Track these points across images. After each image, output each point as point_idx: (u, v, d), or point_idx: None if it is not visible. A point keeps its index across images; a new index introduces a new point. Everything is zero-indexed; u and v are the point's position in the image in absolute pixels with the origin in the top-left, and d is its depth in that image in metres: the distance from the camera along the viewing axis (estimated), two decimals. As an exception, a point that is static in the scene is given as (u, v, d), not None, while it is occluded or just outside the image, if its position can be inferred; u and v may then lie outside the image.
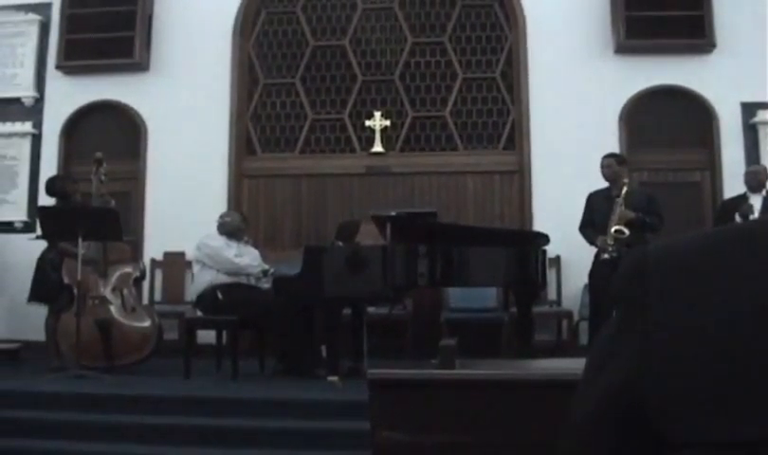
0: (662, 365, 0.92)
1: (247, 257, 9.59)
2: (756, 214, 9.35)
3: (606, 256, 9.00)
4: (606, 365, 0.99)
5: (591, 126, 11.14)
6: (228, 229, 9.71)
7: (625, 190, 9.21)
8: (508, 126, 11.87)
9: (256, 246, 10.29)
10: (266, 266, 9.41)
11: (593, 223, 9.47)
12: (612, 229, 9.05)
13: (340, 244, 9.40)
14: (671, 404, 0.90)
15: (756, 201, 9.59)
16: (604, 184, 9.53)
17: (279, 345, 9.51)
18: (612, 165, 9.48)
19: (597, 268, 9.19)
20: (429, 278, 8.48)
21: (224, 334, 9.75)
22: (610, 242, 9.04)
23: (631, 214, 9.10)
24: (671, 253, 0.99)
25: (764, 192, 9.70)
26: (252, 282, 9.53)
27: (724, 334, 0.88)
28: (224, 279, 9.38)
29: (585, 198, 9.63)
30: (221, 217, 9.96)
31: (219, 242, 9.52)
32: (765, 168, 10.08)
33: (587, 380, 1.03)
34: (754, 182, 9.77)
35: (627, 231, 8.99)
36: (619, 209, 9.12)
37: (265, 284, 9.44)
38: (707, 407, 0.88)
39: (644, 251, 1.01)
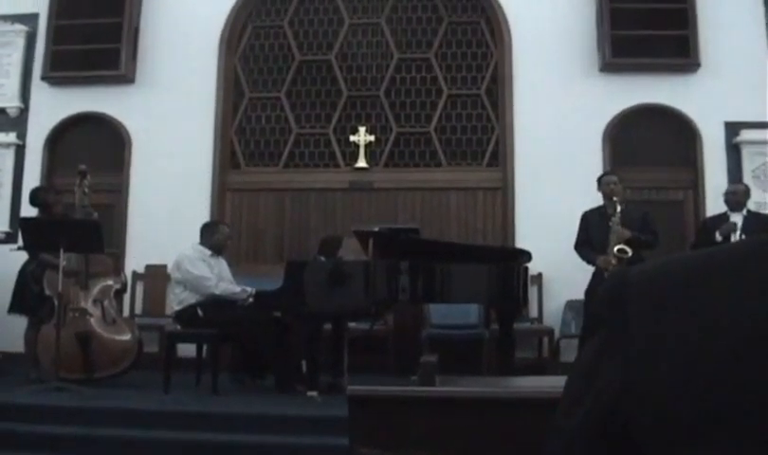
0: (643, 388, 0.91)
1: (226, 281, 9.47)
2: (737, 233, 9.38)
3: None
4: (587, 388, 0.98)
5: (575, 144, 11.17)
6: (214, 244, 9.62)
7: (619, 208, 9.22)
8: (492, 143, 11.88)
9: (237, 262, 10.25)
10: (249, 290, 9.28)
11: (589, 242, 9.47)
12: (615, 249, 9.05)
13: (323, 258, 9.39)
14: (653, 427, 0.90)
15: (736, 220, 9.61)
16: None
17: (255, 360, 9.47)
18: (616, 183, 9.50)
19: (597, 288, 9.15)
20: (410, 294, 8.47)
21: (204, 348, 9.70)
22: (613, 261, 9.04)
23: (627, 233, 9.11)
24: (651, 276, 0.98)
25: (744, 211, 9.73)
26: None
27: (704, 358, 0.88)
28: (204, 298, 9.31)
29: (580, 217, 9.66)
30: (210, 228, 9.86)
31: (200, 267, 9.30)
32: (746, 187, 10.12)
33: (567, 404, 1.02)
34: (734, 201, 9.79)
35: (629, 251, 8.99)
36: (615, 228, 9.13)
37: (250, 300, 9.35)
38: (688, 431, 0.87)
39: (624, 273, 1.00)
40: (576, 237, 9.63)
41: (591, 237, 9.48)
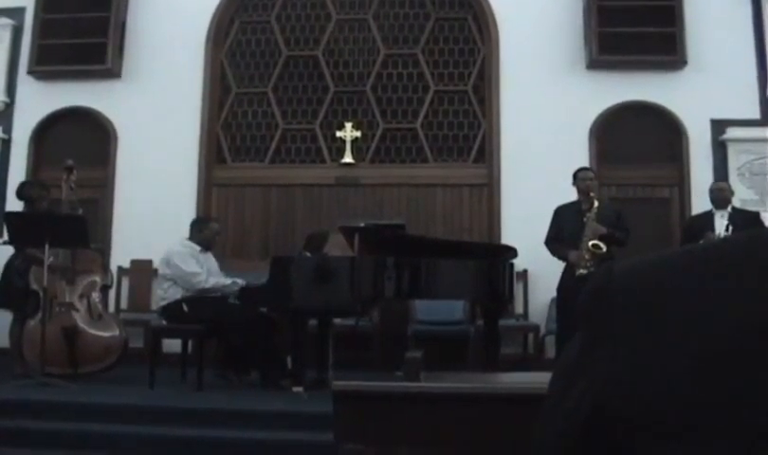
0: (628, 387, 0.90)
1: (214, 276, 9.43)
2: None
3: (583, 271, 8.95)
4: (571, 386, 0.97)
5: (561, 141, 11.18)
6: (203, 240, 9.58)
7: (596, 204, 9.21)
8: (479, 139, 11.89)
9: (222, 258, 10.23)
10: (240, 282, 9.26)
11: (561, 237, 9.44)
12: (590, 244, 9.03)
13: (308, 254, 9.38)
14: (637, 427, 0.89)
15: (721, 218, 9.62)
16: (572, 198, 9.53)
17: (240, 355, 9.45)
18: (593, 179, 9.49)
19: (569, 283, 9.11)
20: (396, 290, 8.47)
21: (189, 343, 9.68)
22: (586, 256, 9.02)
23: (603, 229, 9.09)
24: (638, 272, 0.97)
25: (729, 209, 9.74)
26: (218, 294, 9.40)
27: (691, 356, 0.87)
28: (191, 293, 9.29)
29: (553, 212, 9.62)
30: (200, 224, 9.85)
31: (190, 263, 9.26)
32: (729, 185, 10.14)
33: (551, 402, 1.01)
34: (718, 199, 9.80)
35: (603, 246, 8.98)
36: (591, 223, 9.11)
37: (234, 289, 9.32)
38: (672, 430, 0.87)
39: (610, 270, 0.98)
40: (546, 232, 9.61)
41: (563, 232, 9.44)
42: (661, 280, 0.94)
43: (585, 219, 9.18)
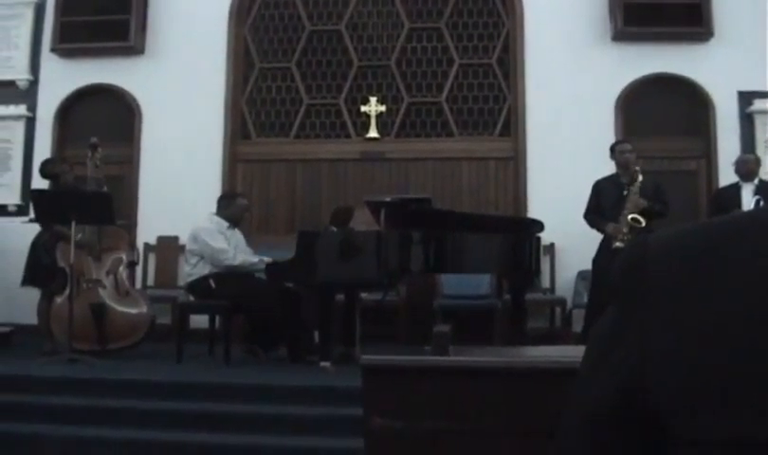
0: (663, 360, 0.89)
1: (242, 253, 9.43)
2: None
3: (619, 244, 8.94)
4: (605, 360, 0.97)
5: (587, 113, 11.13)
6: (230, 216, 9.58)
7: (640, 178, 9.21)
8: (504, 113, 11.84)
9: (248, 233, 10.23)
10: (267, 260, 9.24)
11: (599, 210, 9.44)
12: (629, 217, 9.04)
13: (334, 229, 9.38)
14: (672, 400, 0.88)
15: (747, 190, 9.58)
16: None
17: (267, 330, 9.45)
18: (631, 151, 9.48)
19: (606, 256, 9.10)
20: (422, 264, 8.46)
21: (216, 319, 9.70)
22: (624, 230, 9.02)
23: (644, 202, 9.11)
24: (672, 243, 0.97)
25: (756, 181, 9.70)
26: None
27: (726, 328, 0.86)
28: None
29: (592, 185, 9.60)
30: (227, 200, 9.85)
31: (218, 240, 9.24)
32: (757, 157, 10.09)
33: (586, 375, 1.00)
34: (744, 171, 9.77)
35: (642, 221, 8.98)
36: (633, 196, 9.12)
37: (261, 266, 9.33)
38: (708, 403, 0.86)
39: (644, 241, 0.98)
40: (586, 205, 9.60)
41: (602, 206, 9.45)
42: (695, 251, 0.93)
43: (626, 192, 9.19)
